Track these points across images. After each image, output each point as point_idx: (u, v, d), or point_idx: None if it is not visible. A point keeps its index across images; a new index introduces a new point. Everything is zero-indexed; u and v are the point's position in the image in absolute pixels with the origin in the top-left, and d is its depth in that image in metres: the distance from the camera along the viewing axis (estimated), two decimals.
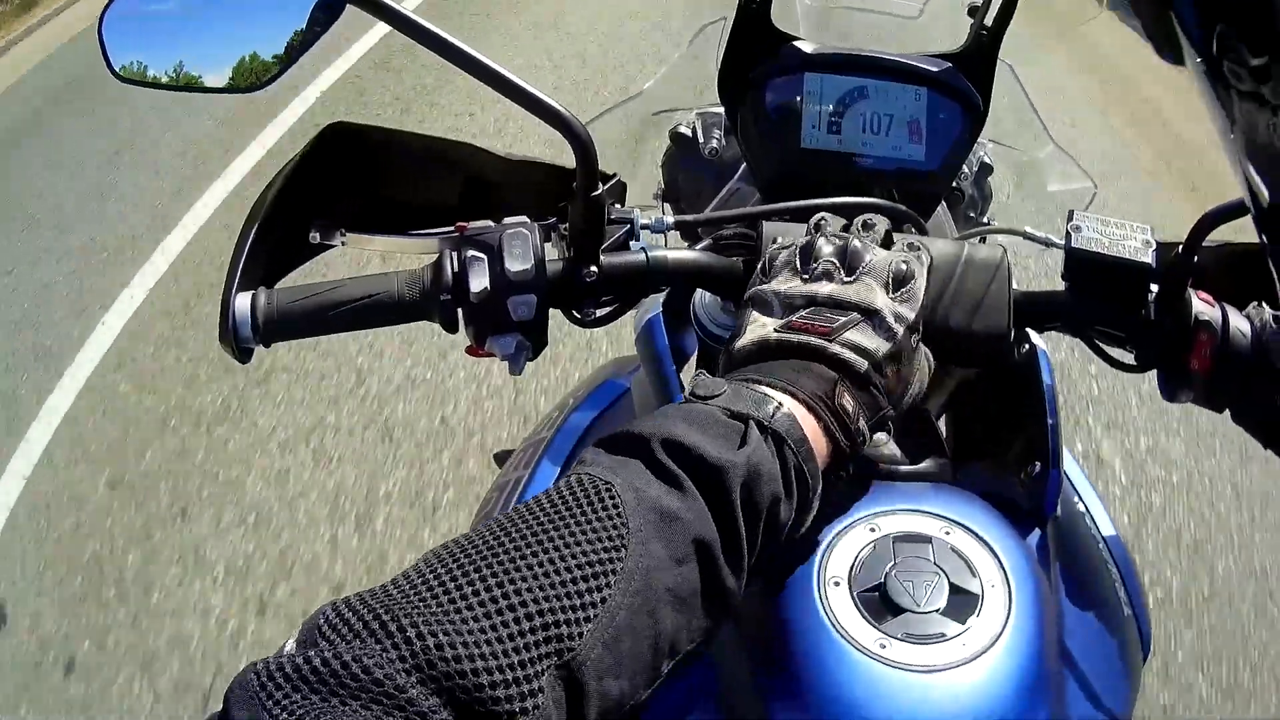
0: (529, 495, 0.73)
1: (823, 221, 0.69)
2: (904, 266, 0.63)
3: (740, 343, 0.62)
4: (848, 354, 0.59)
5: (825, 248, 0.64)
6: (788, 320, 0.61)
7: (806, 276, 0.63)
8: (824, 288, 0.62)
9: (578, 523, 0.47)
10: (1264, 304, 0.72)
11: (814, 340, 0.59)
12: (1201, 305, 0.71)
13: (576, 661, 0.43)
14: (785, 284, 0.63)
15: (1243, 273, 0.78)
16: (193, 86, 0.70)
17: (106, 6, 0.71)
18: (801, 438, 0.55)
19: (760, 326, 0.62)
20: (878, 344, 0.60)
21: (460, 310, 0.69)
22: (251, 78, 0.69)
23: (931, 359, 0.67)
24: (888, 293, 0.62)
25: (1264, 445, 0.72)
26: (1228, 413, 0.72)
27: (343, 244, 0.74)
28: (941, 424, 0.87)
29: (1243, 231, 0.68)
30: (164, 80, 0.71)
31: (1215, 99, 0.30)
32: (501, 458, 1.02)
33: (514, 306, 0.68)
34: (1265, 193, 0.30)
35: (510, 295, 0.68)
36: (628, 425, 0.54)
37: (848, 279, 0.62)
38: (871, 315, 0.61)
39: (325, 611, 0.41)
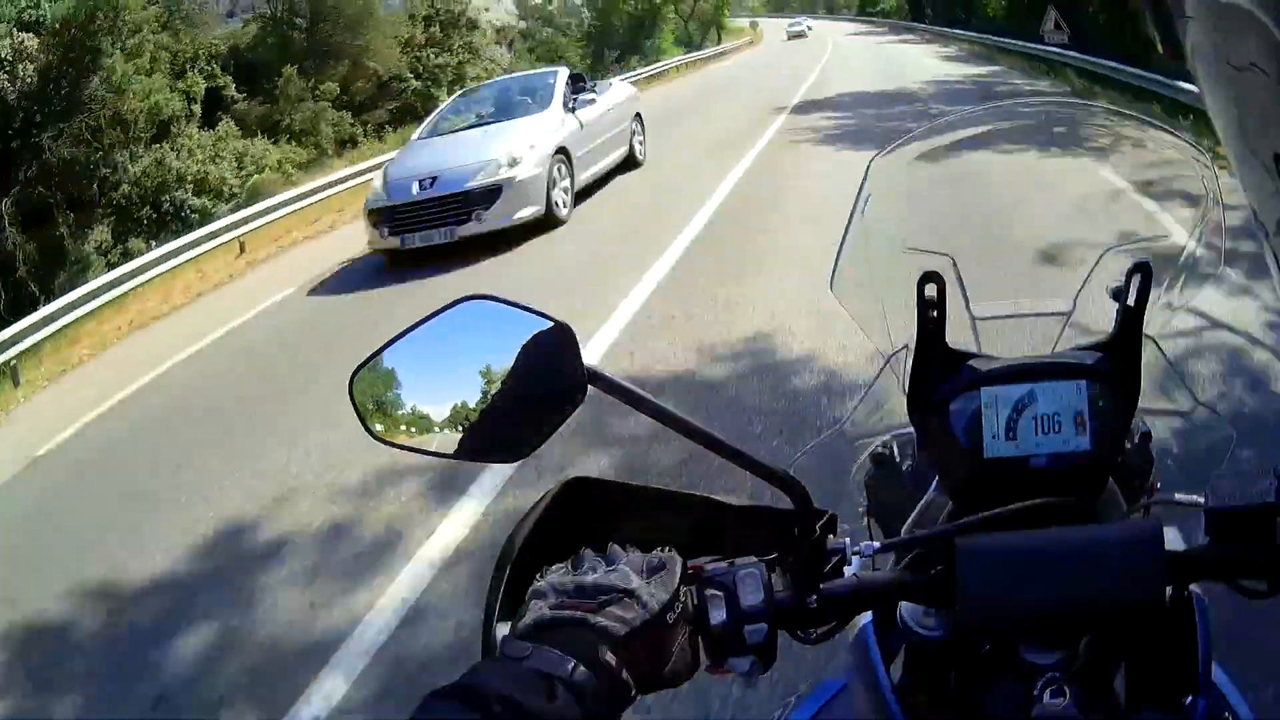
0: None
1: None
2: (657, 560, 0.78)
3: (522, 623, 0.73)
4: (607, 622, 0.72)
5: (589, 554, 0.78)
6: (560, 602, 0.73)
7: (577, 571, 0.76)
8: (589, 576, 0.75)
9: None
10: None
11: (579, 614, 0.72)
12: None
13: None
14: (558, 578, 0.76)
15: None
16: (450, 455, 0.77)
17: (356, 370, 0.80)
18: (595, 690, 0.68)
19: (536, 611, 0.73)
20: (634, 615, 0.73)
21: (700, 636, 0.80)
22: (508, 451, 0.78)
23: (688, 650, 0.78)
24: (643, 577, 0.76)
25: None
26: None
27: None
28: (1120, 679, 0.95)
29: None
30: (419, 446, 0.78)
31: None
32: None
33: (749, 634, 0.80)
34: None
35: (745, 624, 0.80)
36: (458, 683, 0.65)
37: (609, 568, 0.76)
38: (629, 594, 0.74)
39: None
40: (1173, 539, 0.86)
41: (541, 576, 0.78)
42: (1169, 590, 0.82)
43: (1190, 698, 0.84)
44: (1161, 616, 0.82)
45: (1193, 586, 0.89)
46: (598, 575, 0.76)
